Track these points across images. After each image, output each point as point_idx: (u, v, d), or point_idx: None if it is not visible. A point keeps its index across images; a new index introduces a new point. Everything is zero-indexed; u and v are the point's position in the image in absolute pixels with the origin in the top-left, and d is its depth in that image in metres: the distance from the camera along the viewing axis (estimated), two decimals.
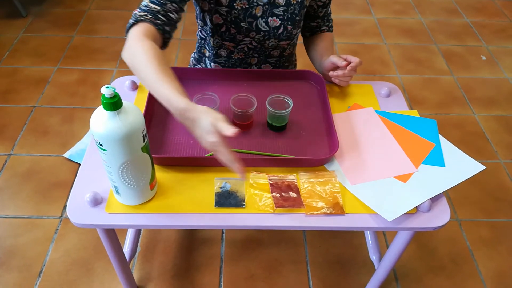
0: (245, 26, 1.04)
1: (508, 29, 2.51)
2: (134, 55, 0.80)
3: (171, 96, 0.74)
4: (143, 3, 0.89)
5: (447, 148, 0.96)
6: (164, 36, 0.90)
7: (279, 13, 1.03)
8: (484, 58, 2.28)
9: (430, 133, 0.99)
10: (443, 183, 0.88)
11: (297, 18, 1.06)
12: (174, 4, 0.89)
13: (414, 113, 1.05)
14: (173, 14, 0.89)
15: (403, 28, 2.48)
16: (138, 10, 0.88)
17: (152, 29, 0.85)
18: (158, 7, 0.86)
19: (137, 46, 0.81)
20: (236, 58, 1.14)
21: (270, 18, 1.04)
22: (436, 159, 0.93)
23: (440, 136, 0.99)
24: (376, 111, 1.04)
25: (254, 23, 1.04)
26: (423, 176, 0.89)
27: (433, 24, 2.52)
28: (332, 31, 1.20)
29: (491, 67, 2.22)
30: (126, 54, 0.83)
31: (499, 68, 2.22)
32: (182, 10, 0.92)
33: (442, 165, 0.92)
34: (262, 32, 1.06)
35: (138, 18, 0.85)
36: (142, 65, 0.78)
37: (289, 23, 1.05)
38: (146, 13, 0.86)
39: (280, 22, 1.05)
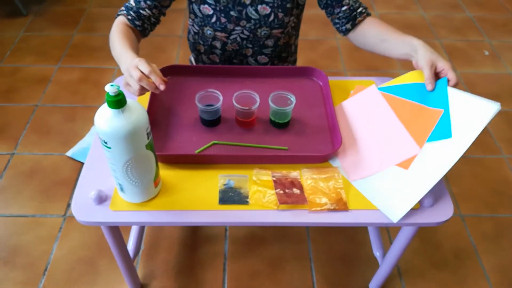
0: (235, 14, 1.05)
1: (510, 23, 2.50)
2: (110, 36, 1.00)
3: (124, 54, 0.92)
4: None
5: (455, 98, 0.86)
6: (137, 29, 1.04)
7: (269, 0, 1.03)
8: (487, 53, 2.27)
9: (438, 97, 0.89)
10: (451, 156, 0.81)
11: (288, 5, 1.05)
12: (148, 2, 1.02)
13: (420, 74, 0.94)
14: (144, 11, 1.03)
15: (405, 23, 2.47)
16: (123, 5, 1.05)
17: (126, 21, 1.03)
18: (133, 4, 1.03)
19: (113, 30, 1.01)
20: (230, 49, 1.14)
21: (259, 6, 1.04)
22: (443, 130, 0.86)
23: (448, 89, 0.88)
24: (380, 88, 0.99)
25: (244, 12, 1.05)
26: (427, 157, 0.84)
27: (435, 19, 2.51)
28: (370, 14, 1.07)
29: (494, 62, 2.21)
30: (109, 38, 1.02)
31: (502, 63, 2.21)
32: (156, 7, 1.04)
33: (449, 135, 0.84)
34: (252, 20, 1.06)
35: (118, 13, 1.05)
36: (113, 40, 0.98)
37: (280, 10, 1.05)
38: (123, 9, 1.04)
39: (270, 9, 1.05)
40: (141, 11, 1.02)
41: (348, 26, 1.07)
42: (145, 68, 0.82)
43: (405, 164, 0.87)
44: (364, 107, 1.00)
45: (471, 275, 1.35)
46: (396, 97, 0.96)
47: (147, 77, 0.83)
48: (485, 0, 2.68)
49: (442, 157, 0.83)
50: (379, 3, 2.62)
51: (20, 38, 2.23)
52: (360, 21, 1.06)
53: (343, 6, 1.05)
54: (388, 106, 0.96)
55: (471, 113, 0.84)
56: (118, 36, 0.97)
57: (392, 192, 0.85)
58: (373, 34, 1.04)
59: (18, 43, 2.20)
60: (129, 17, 1.02)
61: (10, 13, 2.39)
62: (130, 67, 0.84)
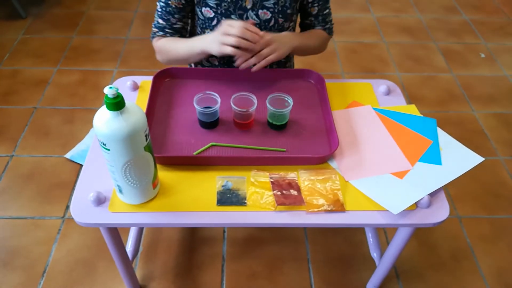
0: (236, 18, 1.06)
1: (506, 26, 2.52)
2: (166, 51, 1.07)
3: (199, 42, 1.00)
4: (155, 18, 1.09)
5: (445, 141, 0.97)
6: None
7: (270, 5, 1.05)
8: (483, 55, 2.29)
9: (429, 131, 0.99)
10: (441, 178, 0.89)
11: (289, 11, 1.07)
12: (176, 16, 1.07)
13: (412, 108, 1.05)
14: (177, 24, 1.08)
15: (402, 26, 2.48)
16: (153, 25, 1.10)
17: (166, 37, 1.09)
18: (164, 23, 1.08)
19: (162, 49, 1.08)
20: None
21: (260, 11, 1.05)
22: (433, 157, 0.93)
23: (438, 129, 0.99)
24: (375, 109, 1.05)
25: (245, 16, 1.06)
26: (420, 172, 0.90)
27: (432, 22, 2.52)
28: (330, 34, 1.17)
29: (490, 65, 2.23)
30: (159, 57, 1.11)
31: (498, 66, 2.22)
32: (185, 16, 1.09)
33: (439, 163, 0.92)
34: None
35: (154, 35, 1.11)
36: (171, 49, 1.06)
37: (280, 16, 1.07)
38: (157, 30, 1.09)
39: (271, 15, 1.06)
40: (174, 26, 1.08)
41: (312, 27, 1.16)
42: (238, 26, 0.91)
43: (400, 175, 0.90)
44: (359, 118, 1.03)
45: (468, 276, 1.35)
46: (390, 119, 1.02)
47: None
48: (481, 3, 2.70)
49: (435, 174, 0.90)
50: (376, 6, 2.64)
51: (19, 41, 2.23)
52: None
53: (307, 19, 1.15)
54: (383, 125, 1.01)
55: (459, 157, 0.94)
56: (173, 44, 1.04)
57: (389, 192, 0.86)
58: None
59: (17, 45, 2.20)
60: (168, 35, 1.08)
61: (9, 16, 2.39)
62: (225, 26, 0.92)
